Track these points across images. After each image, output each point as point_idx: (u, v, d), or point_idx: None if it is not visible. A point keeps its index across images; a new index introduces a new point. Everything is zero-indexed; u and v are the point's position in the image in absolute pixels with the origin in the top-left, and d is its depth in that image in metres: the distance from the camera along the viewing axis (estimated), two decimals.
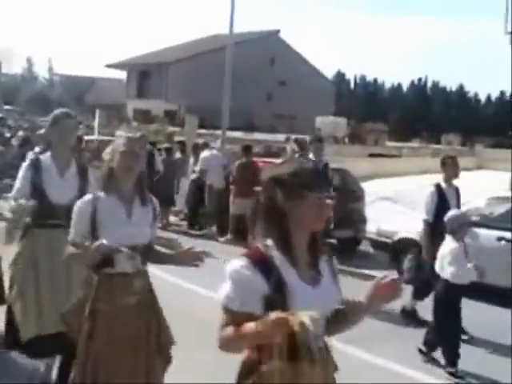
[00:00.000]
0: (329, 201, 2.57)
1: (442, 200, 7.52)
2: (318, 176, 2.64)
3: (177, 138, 19.74)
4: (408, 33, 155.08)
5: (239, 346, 2.50)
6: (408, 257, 9.69)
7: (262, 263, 2.46)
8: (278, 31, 60.81)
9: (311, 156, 10.44)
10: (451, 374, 6.11)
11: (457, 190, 7.79)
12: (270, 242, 2.54)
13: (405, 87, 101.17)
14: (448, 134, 61.75)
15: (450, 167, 7.74)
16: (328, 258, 2.69)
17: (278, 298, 2.41)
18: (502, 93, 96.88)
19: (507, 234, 8.66)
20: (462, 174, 8.00)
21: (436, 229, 7.02)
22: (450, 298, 6.24)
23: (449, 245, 6.31)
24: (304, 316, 2.23)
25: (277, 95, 56.15)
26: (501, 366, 6.41)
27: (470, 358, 6.39)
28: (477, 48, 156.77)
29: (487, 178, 7.66)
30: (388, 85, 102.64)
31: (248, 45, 48.40)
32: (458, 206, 7.58)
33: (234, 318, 2.44)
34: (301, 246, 2.57)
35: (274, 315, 2.27)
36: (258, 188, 9.93)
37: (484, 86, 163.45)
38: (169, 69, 53.05)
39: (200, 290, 8.32)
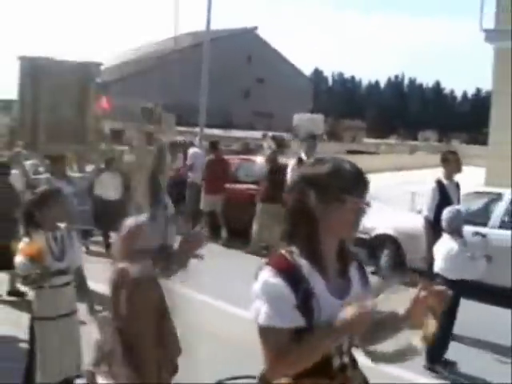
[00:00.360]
0: (366, 207, 2.32)
1: (444, 196, 7.36)
2: (358, 178, 2.33)
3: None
4: (384, 31, 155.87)
5: (307, 361, 2.20)
6: (385, 252, 9.74)
7: (289, 273, 2.23)
8: (256, 28, 60.82)
9: (303, 155, 10.50)
10: (430, 369, 6.12)
11: (457, 186, 7.68)
12: (294, 248, 2.30)
13: (382, 84, 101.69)
14: (425, 130, 62.22)
15: (452, 163, 7.61)
16: (358, 265, 2.50)
17: (305, 309, 2.19)
18: (478, 90, 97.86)
19: (483, 229, 8.74)
20: (439, 170, 8.00)
21: (437, 226, 6.75)
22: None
23: (446, 241, 6.30)
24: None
25: (254, 93, 56.20)
26: (500, 367, 6.41)
27: (471, 360, 6.42)
28: (452, 45, 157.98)
29: (463, 174, 7.81)
30: (365, 82, 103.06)
31: (225, 42, 48.39)
32: (459, 202, 7.51)
33: (279, 336, 2.19)
34: (330, 253, 2.35)
35: (353, 310, 2.11)
36: (227, 185, 9.83)
37: (460, 83, 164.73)
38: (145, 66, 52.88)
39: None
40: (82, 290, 5.13)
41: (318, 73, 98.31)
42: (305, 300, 2.20)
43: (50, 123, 20.03)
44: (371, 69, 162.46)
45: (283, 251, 2.30)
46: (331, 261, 2.34)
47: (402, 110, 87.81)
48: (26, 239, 4.69)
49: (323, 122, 44.30)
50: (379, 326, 2.30)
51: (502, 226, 8.97)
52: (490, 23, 15.95)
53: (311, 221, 2.29)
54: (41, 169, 14.41)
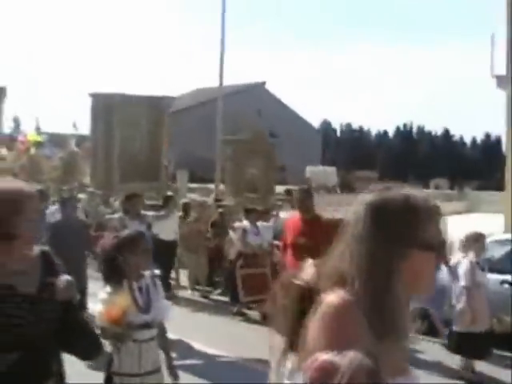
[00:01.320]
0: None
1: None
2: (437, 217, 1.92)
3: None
4: (391, 80, 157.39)
5: None
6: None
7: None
8: (264, 83, 61.60)
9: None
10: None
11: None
12: (347, 295, 1.87)
13: (391, 133, 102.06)
14: (436, 178, 62.18)
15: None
16: None
17: None
18: (487, 135, 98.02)
19: (509, 277, 8.67)
20: (454, 218, 8.03)
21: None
22: None
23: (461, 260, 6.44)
24: None
25: None
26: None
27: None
28: (460, 91, 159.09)
29: (479, 221, 7.63)
30: (374, 131, 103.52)
31: (235, 97, 48.91)
32: None
33: None
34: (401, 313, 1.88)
35: None
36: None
37: (468, 128, 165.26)
38: None
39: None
40: (162, 344, 4.72)
41: (326, 124, 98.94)
42: None
43: (124, 160, 19.85)
44: (379, 118, 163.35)
45: (336, 296, 1.90)
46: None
47: (412, 159, 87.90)
48: (107, 289, 4.39)
49: (335, 174, 44.46)
50: None
51: None
52: (501, 69, 16.12)
53: (386, 271, 1.87)
54: (98, 204, 14.25)
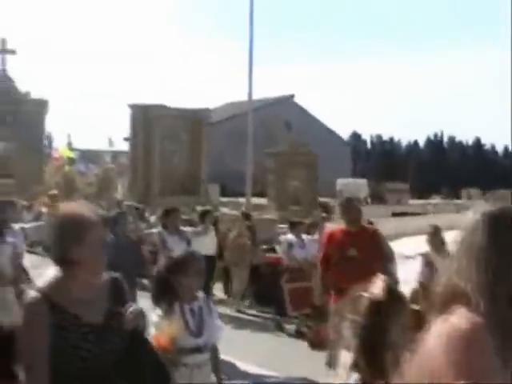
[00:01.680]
0: None
1: None
2: None
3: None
4: (420, 88, 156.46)
5: None
6: None
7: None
8: (293, 96, 61.70)
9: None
10: None
11: None
12: (473, 315, 1.69)
13: (421, 143, 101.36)
14: (467, 188, 61.57)
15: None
16: None
17: None
18: None
19: None
20: None
21: None
22: None
23: None
24: None
25: None
26: None
27: None
28: (491, 100, 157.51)
29: None
30: (404, 142, 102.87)
31: (264, 110, 49.03)
32: None
33: None
34: None
35: None
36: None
37: (500, 137, 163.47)
38: None
39: None
40: (214, 367, 4.48)
41: (356, 136, 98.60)
42: None
43: (163, 173, 19.53)
44: (409, 128, 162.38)
45: (462, 316, 1.72)
46: None
47: (444, 168, 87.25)
48: (158, 311, 4.20)
49: (367, 186, 44.29)
50: None
51: None
52: None
53: None
54: (135, 218, 14.24)
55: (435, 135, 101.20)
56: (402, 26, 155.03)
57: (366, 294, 2.39)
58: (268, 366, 8.85)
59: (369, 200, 42.45)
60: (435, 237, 10.41)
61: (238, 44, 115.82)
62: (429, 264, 9.97)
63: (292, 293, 11.53)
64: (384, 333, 2.37)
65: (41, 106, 23.52)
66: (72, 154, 25.53)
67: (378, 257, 7.69)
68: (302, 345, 10.37)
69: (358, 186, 40.64)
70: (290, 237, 12.01)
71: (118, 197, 20.44)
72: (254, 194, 30.62)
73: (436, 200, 52.95)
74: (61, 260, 2.78)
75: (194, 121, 20.79)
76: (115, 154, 24.53)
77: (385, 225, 24.42)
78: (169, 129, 19.85)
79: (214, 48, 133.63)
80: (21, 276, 7.63)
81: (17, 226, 6.37)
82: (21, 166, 21.33)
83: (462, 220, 1.89)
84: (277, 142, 53.48)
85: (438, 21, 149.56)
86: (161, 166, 19.51)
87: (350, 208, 8.13)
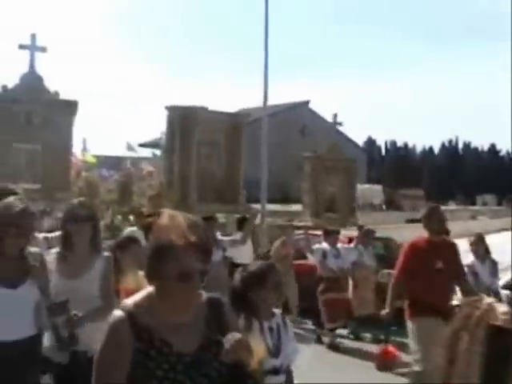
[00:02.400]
0: None
1: None
2: None
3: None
4: (435, 95, 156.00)
5: None
6: None
7: None
8: (308, 102, 61.72)
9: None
10: None
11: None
12: None
13: (436, 149, 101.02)
14: (483, 194, 61.30)
15: None
16: None
17: None
18: None
19: None
20: (503, 236, 8.01)
21: None
22: None
23: None
24: None
25: None
26: None
27: None
28: (506, 105, 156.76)
29: None
30: (419, 148, 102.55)
31: (279, 116, 49.06)
32: None
33: None
34: None
35: None
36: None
37: None
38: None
39: None
40: None
41: (371, 142, 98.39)
42: None
43: (201, 179, 18.32)
44: (424, 134, 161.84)
45: None
46: None
47: (459, 175, 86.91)
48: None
49: (381, 192, 44.24)
50: None
51: None
52: None
53: None
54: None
55: (450, 141, 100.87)
56: (416, 33, 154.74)
57: (491, 321, 2.08)
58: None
59: (384, 206, 42.37)
60: (478, 246, 9.95)
61: (253, 52, 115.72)
62: (473, 274, 9.39)
63: (328, 304, 11.05)
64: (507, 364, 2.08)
65: (71, 107, 23.05)
66: (94, 160, 25.26)
67: (460, 270, 7.37)
68: (341, 358, 10.08)
69: (373, 192, 40.65)
70: (325, 246, 11.44)
71: (142, 202, 20.26)
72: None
73: (451, 206, 52.77)
74: (154, 276, 2.36)
75: (235, 124, 20.04)
76: (135, 160, 24.26)
77: (400, 231, 24.39)
78: (208, 132, 18.85)
79: (229, 55, 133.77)
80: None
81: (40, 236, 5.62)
82: (47, 171, 20.67)
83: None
84: (293, 148, 53.61)
85: (452, 29, 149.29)
86: (199, 171, 18.48)
87: (436, 217, 7.40)
